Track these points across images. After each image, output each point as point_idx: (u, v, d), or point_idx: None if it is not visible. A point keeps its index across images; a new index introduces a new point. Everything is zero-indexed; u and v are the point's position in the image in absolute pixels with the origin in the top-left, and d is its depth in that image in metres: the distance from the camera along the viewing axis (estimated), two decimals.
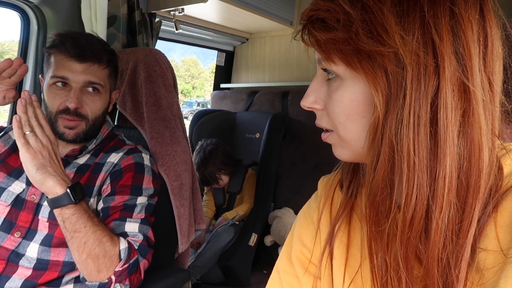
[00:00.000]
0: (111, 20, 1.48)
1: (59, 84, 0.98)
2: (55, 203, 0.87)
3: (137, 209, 1.00)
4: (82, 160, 1.06)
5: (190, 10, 1.83)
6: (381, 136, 0.40)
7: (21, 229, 0.95)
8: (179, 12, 1.78)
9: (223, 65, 2.75)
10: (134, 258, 0.92)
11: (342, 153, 0.50)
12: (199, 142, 2.11)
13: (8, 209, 0.96)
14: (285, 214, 2.02)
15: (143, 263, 0.95)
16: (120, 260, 0.89)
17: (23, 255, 0.94)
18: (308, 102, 0.50)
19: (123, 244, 0.91)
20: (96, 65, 1.01)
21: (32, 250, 0.94)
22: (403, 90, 0.38)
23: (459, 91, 0.38)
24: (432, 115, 0.38)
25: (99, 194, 1.02)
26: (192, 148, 2.26)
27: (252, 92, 2.52)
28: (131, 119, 1.28)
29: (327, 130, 0.50)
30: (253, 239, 1.91)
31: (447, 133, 0.37)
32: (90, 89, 1.02)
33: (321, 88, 0.49)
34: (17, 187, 0.99)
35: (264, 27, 2.38)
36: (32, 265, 0.93)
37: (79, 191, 0.89)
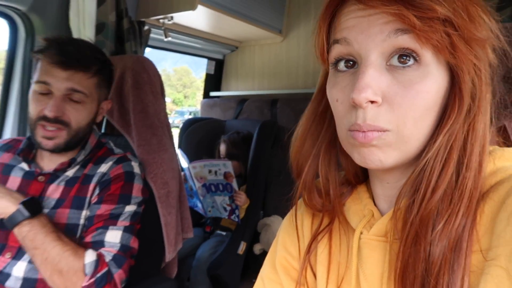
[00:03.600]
0: (100, 28, 1.48)
1: (42, 90, 0.95)
2: (11, 221, 0.86)
3: (122, 217, 0.98)
4: (71, 172, 1.03)
5: (180, 18, 1.83)
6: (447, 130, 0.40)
7: (12, 249, 0.93)
8: (168, 20, 1.79)
9: (213, 73, 2.76)
10: (103, 271, 0.89)
11: (388, 156, 0.41)
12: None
13: None
14: (274, 222, 2.01)
15: (119, 274, 0.92)
16: (86, 275, 0.87)
17: (10, 275, 0.91)
18: (370, 94, 0.39)
19: (88, 258, 0.88)
20: (81, 73, 0.97)
21: (19, 269, 0.91)
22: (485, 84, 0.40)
23: None
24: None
25: (89, 205, 1.00)
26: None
27: (242, 100, 2.52)
28: (118, 127, 1.27)
29: (378, 130, 0.40)
30: (242, 247, 1.89)
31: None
32: (74, 97, 0.97)
33: (381, 77, 0.40)
34: None
35: (254, 36, 2.39)
36: (18, 285, 0.91)
37: (33, 206, 0.88)
